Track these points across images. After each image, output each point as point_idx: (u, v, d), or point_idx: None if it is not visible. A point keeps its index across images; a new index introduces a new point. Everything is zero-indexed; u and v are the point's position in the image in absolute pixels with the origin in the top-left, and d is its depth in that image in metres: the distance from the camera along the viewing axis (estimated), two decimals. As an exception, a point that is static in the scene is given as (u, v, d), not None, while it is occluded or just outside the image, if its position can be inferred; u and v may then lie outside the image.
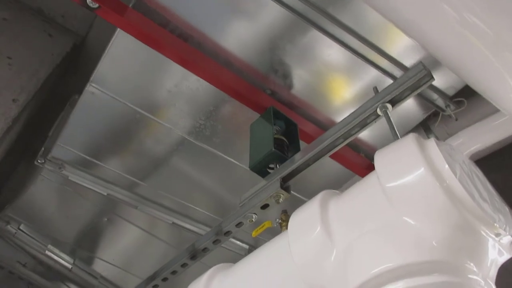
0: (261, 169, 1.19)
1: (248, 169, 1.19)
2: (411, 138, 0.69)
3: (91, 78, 1.37)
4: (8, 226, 1.91)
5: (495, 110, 1.33)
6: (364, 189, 0.74)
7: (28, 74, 1.69)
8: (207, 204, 1.77)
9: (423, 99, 1.43)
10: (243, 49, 1.34)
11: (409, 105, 1.46)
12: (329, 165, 1.51)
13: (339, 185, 1.55)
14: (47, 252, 1.98)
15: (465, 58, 0.76)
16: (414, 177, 0.63)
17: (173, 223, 1.78)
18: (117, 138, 1.58)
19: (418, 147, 0.66)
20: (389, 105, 0.93)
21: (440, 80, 1.36)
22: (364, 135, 1.53)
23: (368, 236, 0.65)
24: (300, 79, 1.41)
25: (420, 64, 0.89)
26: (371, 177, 0.73)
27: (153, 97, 1.43)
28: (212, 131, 1.48)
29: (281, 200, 1.04)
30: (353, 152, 1.52)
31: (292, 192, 1.06)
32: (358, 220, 0.69)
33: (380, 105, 0.93)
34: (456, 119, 1.40)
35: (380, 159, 0.70)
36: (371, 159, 1.52)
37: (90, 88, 1.39)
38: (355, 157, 1.50)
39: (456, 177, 0.61)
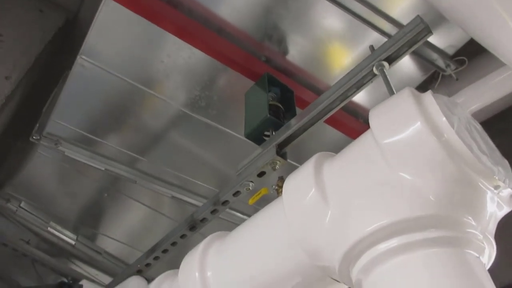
0: (256, 136, 1.18)
1: (244, 139, 1.20)
2: (406, 92, 0.68)
3: (81, 50, 1.33)
4: (9, 204, 1.90)
5: (497, 68, 1.29)
6: (358, 148, 0.73)
7: (20, 51, 1.63)
8: (206, 177, 1.77)
9: (422, 59, 1.38)
10: (236, 15, 1.31)
11: (408, 66, 1.41)
12: (328, 133, 1.52)
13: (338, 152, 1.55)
14: (50, 229, 1.97)
15: (471, 8, 0.75)
16: (410, 132, 0.62)
17: (173, 196, 1.78)
18: (113, 113, 1.56)
19: (414, 100, 0.65)
20: (385, 63, 0.91)
21: (439, 38, 1.33)
22: (363, 100, 1.51)
23: (362, 194, 0.65)
24: (295, 45, 1.39)
25: (417, 18, 0.86)
26: (366, 136, 0.73)
27: (146, 69, 1.41)
28: (207, 102, 1.47)
29: (277, 167, 1.04)
30: (352, 117, 1.52)
31: (289, 161, 1.05)
32: (353, 180, 0.69)
33: (376, 63, 0.91)
34: (457, 79, 1.36)
35: (374, 115, 0.70)
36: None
37: (80, 60, 1.35)
38: (353, 123, 1.50)
39: (453, 130, 0.60)
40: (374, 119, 0.69)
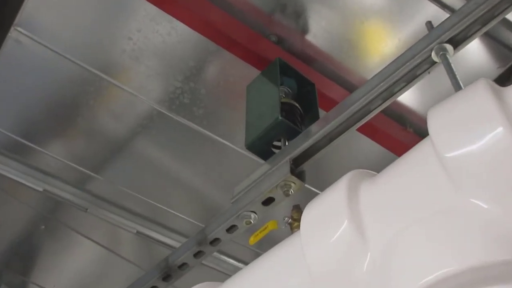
0: (262, 147, 1.20)
1: (244, 151, 1.30)
2: (482, 85, 0.67)
3: (16, 20, 1.35)
4: None
5: None
6: (410, 165, 0.73)
7: None
8: (187, 205, 1.80)
9: (499, 44, 1.39)
10: (236, -24, 1.39)
11: (478, 54, 1.43)
12: (363, 145, 1.54)
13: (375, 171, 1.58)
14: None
15: None
16: (488, 141, 0.61)
17: (138, 232, 1.81)
18: (58, 111, 1.60)
19: (493, 96, 0.64)
20: (449, 47, 0.91)
21: (524, 17, 1.33)
22: (412, 100, 1.52)
23: (417, 228, 0.64)
24: (319, 20, 1.41)
25: (495, -17, 0.88)
26: (421, 147, 0.73)
27: (107, 48, 1.44)
28: (192, 97, 1.49)
29: (291, 191, 1.05)
30: (397, 125, 1.53)
31: (308, 186, 1.10)
32: (403, 207, 0.68)
33: (436, 47, 0.91)
34: None
35: (436, 118, 0.69)
36: (422, 135, 1.53)
37: (14, 34, 1.37)
38: (399, 132, 1.52)
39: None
40: (435, 123, 0.68)
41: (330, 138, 1.05)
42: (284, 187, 1.04)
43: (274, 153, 1.17)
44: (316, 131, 1.05)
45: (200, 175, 1.72)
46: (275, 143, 1.20)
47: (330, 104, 1.32)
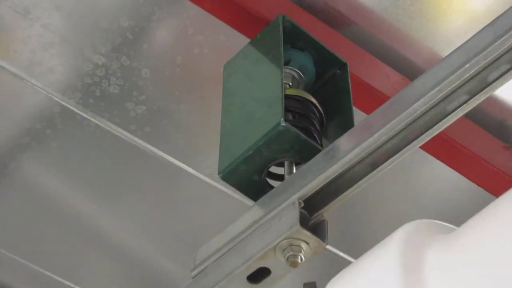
0: (248, 177, 1.21)
1: (217, 183, 1.33)
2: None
3: None
4: None
5: None
6: None
7: None
8: (113, 278, 1.84)
9: None
10: None
11: None
12: (430, 175, 1.57)
13: (454, 223, 1.51)
14: None
15: None
16: None
17: None
18: None
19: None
20: None
21: None
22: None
23: None
24: None
25: None
26: None
27: None
28: (126, 84, 1.50)
29: (301, 257, 1.04)
30: (495, 140, 1.55)
31: (331, 247, 1.28)
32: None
33: None
34: None
35: None
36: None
37: None
38: (498, 154, 1.53)
39: None
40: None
41: (373, 162, 1.04)
42: (289, 250, 1.03)
43: (271, 187, 1.17)
44: (348, 149, 1.04)
45: (136, 223, 1.72)
46: (273, 168, 1.20)
47: (374, 99, 1.44)
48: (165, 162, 1.57)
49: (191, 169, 1.56)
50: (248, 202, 1.18)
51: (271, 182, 1.20)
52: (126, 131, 1.53)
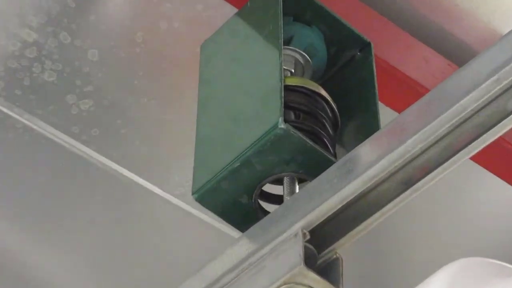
0: (233, 199, 1.21)
1: (191, 206, 1.46)
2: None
3: None
4: None
5: None
6: None
7: None
8: None
9: None
10: None
11: None
12: (484, 196, 1.64)
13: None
14: None
15: None
16: None
17: None
18: None
19: None
20: None
21: None
22: None
23: None
24: None
25: None
26: None
27: None
28: (65, 71, 1.51)
29: None
30: None
31: None
32: None
33: None
34: None
35: None
36: None
37: None
38: None
39: None
40: None
41: (405, 178, 1.03)
42: (289, 300, 0.96)
43: (265, 212, 1.17)
44: (372, 161, 1.03)
45: (79, 265, 1.74)
46: (268, 187, 1.18)
47: (408, 92, 1.52)
48: (120, 178, 1.58)
49: (156, 188, 1.57)
50: (233, 232, 1.18)
51: (265, 205, 1.18)
52: (66, 134, 1.53)
